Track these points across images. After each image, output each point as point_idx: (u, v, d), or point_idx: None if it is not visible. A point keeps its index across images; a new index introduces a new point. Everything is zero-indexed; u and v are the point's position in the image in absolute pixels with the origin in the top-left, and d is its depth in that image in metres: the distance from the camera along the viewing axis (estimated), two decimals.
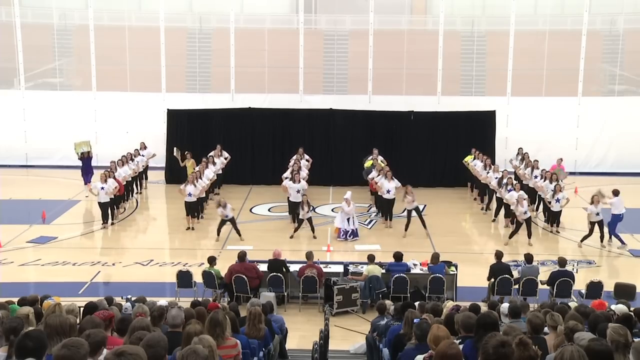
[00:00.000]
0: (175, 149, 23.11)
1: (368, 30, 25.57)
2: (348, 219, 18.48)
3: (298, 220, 18.78)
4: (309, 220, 18.59)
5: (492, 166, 20.92)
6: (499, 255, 14.32)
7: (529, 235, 18.04)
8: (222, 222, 18.21)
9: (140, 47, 26.17)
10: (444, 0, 25.72)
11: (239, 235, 18.26)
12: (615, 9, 26.06)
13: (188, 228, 19.19)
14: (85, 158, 22.78)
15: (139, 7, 26.97)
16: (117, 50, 25.95)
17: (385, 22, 25.94)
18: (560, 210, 18.85)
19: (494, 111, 24.78)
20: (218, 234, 18.27)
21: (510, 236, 18.25)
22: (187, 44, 26.83)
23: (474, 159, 22.04)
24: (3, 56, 27.00)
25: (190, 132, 24.72)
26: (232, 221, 18.23)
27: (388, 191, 19.28)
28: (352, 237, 18.47)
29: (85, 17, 26.05)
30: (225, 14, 25.98)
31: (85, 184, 22.27)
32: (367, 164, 21.86)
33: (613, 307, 10.23)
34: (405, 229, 18.79)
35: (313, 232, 18.58)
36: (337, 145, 24.64)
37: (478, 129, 24.31)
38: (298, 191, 19.30)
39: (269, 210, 21.42)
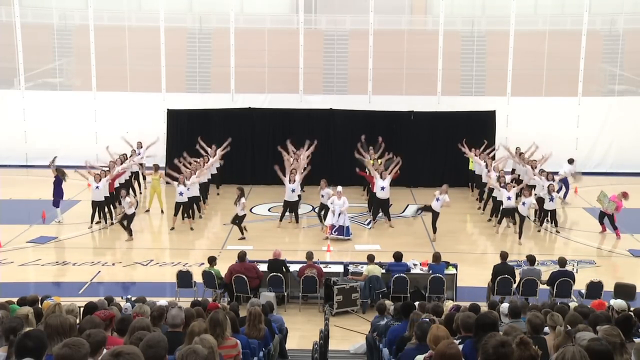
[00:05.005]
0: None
1: (368, 30, 25.53)
2: (339, 214, 18.26)
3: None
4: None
5: (493, 165, 20.91)
6: (503, 256, 14.29)
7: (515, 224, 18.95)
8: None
9: (140, 47, 26.14)
10: (444, 0, 25.69)
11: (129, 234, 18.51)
12: (615, 9, 26.03)
13: (172, 228, 19.20)
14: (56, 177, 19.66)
15: (139, 7, 26.93)
16: (117, 50, 25.92)
17: (385, 22, 25.91)
18: (555, 209, 18.94)
19: (494, 111, 24.79)
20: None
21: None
22: (187, 44, 26.79)
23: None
24: (3, 56, 26.97)
25: (190, 132, 24.68)
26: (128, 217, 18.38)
27: (382, 188, 19.16)
28: (337, 233, 18.23)
29: (85, 17, 26.00)
30: (225, 13, 25.94)
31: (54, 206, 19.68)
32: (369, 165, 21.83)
33: (612, 302, 10.27)
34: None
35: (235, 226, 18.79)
36: (337, 145, 24.60)
37: (478, 129, 24.27)
38: (293, 190, 19.30)
39: (269, 210, 21.41)
